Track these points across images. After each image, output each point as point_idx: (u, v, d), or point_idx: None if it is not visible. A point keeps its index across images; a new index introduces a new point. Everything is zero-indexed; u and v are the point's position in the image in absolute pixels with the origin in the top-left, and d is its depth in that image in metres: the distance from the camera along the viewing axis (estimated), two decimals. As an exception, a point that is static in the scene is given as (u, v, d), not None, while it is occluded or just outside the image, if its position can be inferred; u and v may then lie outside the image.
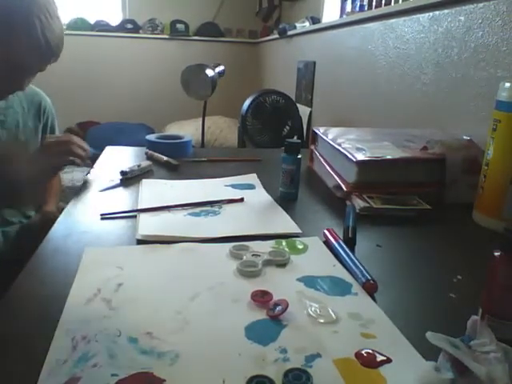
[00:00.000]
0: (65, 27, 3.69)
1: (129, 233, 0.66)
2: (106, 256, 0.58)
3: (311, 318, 0.45)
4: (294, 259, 0.58)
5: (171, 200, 0.78)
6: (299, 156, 0.83)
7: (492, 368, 0.32)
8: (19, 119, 1.05)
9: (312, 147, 1.09)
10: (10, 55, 0.84)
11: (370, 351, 0.40)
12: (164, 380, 0.36)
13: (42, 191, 0.97)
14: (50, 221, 0.72)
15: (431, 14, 1.28)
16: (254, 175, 0.98)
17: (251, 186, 0.91)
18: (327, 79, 2.21)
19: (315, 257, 0.60)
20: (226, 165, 1.08)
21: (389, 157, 0.83)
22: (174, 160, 1.04)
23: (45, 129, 1.14)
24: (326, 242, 0.64)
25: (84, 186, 0.88)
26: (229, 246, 0.60)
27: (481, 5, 1.07)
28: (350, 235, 0.64)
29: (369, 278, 0.52)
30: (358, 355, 0.40)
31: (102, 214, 0.72)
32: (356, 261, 0.56)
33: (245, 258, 0.57)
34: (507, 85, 0.69)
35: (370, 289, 0.51)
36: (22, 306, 0.47)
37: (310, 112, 2.39)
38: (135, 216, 0.72)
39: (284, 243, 0.64)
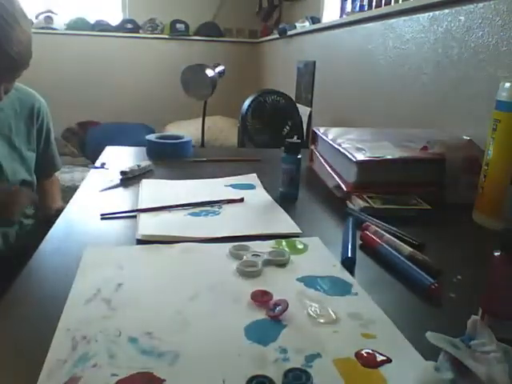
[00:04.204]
0: (65, 27, 3.72)
1: (129, 233, 0.66)
2: (105, 256, 0.58)
3: (311, 317, 0.45)
4: (293, 259, 0.58)
5: (171, 200, 0.78)
6: (299, 156, 0.83)
7: (492, 368, 0.32)
8: (11, 122, 1.03)
9: (312, 147, 1.09)
10: None
11: (370, 351, 0.40)
12: (164, 380, 0.36)
13: None
14: (52, 216, 0.72)
15: (431, 14, 1.28)
16: (254, 175, 0.98)
17: (251, 186, 0.91)
18: (327, 79, 2.21)
19: (315, 257, 0.60)
20: (226, 165, 1.08)
21: (389, 157, 0.83)
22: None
23: (40, 132, 1.12)
24: (370, 246, 0.63)
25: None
26: (229, 245, 0.60)
27: (481, 5, 1.07)
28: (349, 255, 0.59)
29: (432, 281, 0.52)
30: (358, 355, 0.40)
31: (102, 214, 0.72)
32: (413, 265, 0.56)
33: (245, 258, 0.57)
34: (507, 85, 0.69)
35: (435, 292, 0.51)
36: (22, 305, 0.47)
37: (310, 112, 2.39)
38: (135, 216, 0.72)
39: (284, 243, 0.63)
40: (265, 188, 0.90)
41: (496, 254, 0.43)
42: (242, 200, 0.81)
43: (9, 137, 1.03)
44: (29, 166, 1.09)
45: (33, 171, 1.11)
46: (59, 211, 0.74)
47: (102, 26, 3.69)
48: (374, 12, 1.71)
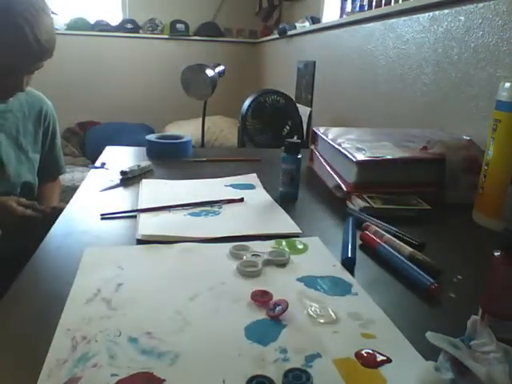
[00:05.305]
0: (65, 27, 3.73)
1: (129, 233, 0.66)
2: (106, 256, 0.58)
3: (311, 318, 0.45)
4: (294, 259, 0.58)
5: (171, 200, 0.78)
6: (299, 156, 0.83)
7: (492, 368, 0.32)
8: (19, 123, 1.04)
9: (312, 147, 1.09)
10: (1, 57, 0.83)
11: (370, 351, 0.40)
12: (164, 380, 0.36)
13: None
14: (52, 215, 0.73)
15: (431, 13, 1.28)
16: (254, 175, 0.98)
17: (251, 186, 0.91)
18: (327, 79, 2.21)
19: (315, 257, 0.60)
20: (226, 165, 1.08)
21: (389, 157, 0.83)
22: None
23: (46, 134, 1.13)
24: (370, 246, 0.63)
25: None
26: (229, 245, 0.60)
27: (481, 5, 1.07)
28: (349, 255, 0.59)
29: (432, 281, 0.52)
30: (358, 355, 0.40)
31: (102, 214, 0.72)
32: (413, 265, 0.56)
33: (245, 257, 0.57)
34: (507, 85, 0.69)
35: (435, 292, 0.51)
36: (22, 305, 0.47)
37: (310, 112, 2.39)
38: (135, 216, 0.72)
39: (284, 243, 0.63)
40: (265, 188, 0.90)
41: (496, 253, 0.43)
42: (241, 200, 0.81)
43: (16, 138, 1.03)
44: (33, 167, 1.09)
45: (36, 173, 1.11)
46: (55, 209, 0.74)
47: (101, 26, 3.69)
48: (374, 12, 1.71)
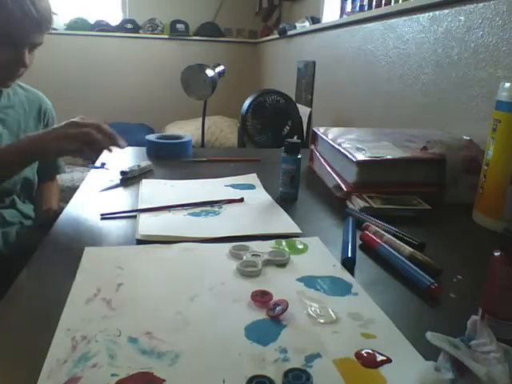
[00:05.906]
0: (65, 27, 3.69)
1: (129, 233, 0.66)
2: (106, 256, 0.58)
3: (311, 317, 0.46)
4: (293, 259, 0.58)
5: (171, 200, 0.78)
6: (299, 156, 0.83)
7: (492, 368, 0.32)
8: (20, 120, 1.05)
9: (312, 147, 1.09)
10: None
11: (370, 351, 0.40)
12: (164, 380, 0.36)
13: None
14: (51, 219, 0.72)
15: (431, 13, 1.28)
16: (254, 175, 0.98)
17: (251, 186, 0.91)
18: (327, 79, 2.21)
19: (315, 257, 0.60)
20: (226, 165, 1.08)
21: (389, 157, 0.83)
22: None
23: None
24: (370, 246, 0.63)
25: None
26: (229, 245, 0.60)
27: (481, 5, 1.07)
28: (349, 255, 0.59)
29: (432, 281, 0.52)
30: (358, 355, 0.40)
31: (102, 214, 0.72)
32: (413, 265, 0.56)
33: (245, 258, 0.57)
34: (507, 85, 0.69)
35: (435, 292, 0.51)
36: (22, 305, 0.47)
37: (310, 112, 2.39)
38: (135, 216, 0.72)
39: (284, 243, 0.64)
40: (265, 188, 0.90)
41: (496, 253, 0.43)
42: (241, 200, 0.81)
43: (18, 134, 1.03)
44: (33, 164, 1.09)
45: (35, 170, 1.11)
46: (50, 213, 0.73)
47: (101, 26, 3.69)
48: (374, 12, 1.71)
